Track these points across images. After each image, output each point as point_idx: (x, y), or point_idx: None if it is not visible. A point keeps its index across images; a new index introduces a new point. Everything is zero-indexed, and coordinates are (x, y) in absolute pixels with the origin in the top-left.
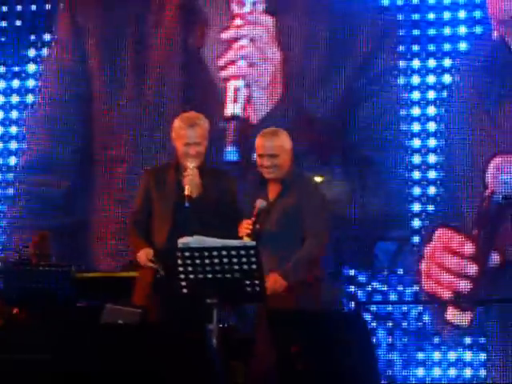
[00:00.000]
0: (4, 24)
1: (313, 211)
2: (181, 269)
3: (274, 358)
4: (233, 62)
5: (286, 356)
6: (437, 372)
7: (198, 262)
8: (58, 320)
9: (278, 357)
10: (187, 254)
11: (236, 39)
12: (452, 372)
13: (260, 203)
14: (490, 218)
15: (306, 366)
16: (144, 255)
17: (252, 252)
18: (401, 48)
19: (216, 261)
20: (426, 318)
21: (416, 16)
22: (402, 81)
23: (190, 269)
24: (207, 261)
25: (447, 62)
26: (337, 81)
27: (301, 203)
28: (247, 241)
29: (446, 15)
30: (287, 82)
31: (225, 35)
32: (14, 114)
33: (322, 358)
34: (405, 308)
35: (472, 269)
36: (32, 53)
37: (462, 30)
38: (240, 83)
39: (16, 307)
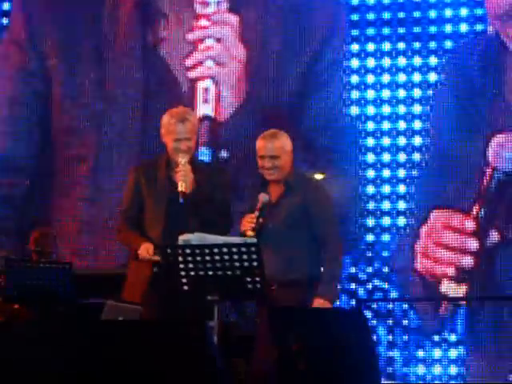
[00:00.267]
0: None
1: (325, 217)
2: (182, 266)
3: (275, 356)
4: (200, 63)
5: (287, 354)
6: (437, 370)
7: (198, 259)
8: (58, 317)
9: (279, 355)
10: (188, 251)
11: (202, 40)
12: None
13: (263, 197)
14: (491, 196)
15: (306, 364)
16: (145, 250)
17: (253, 249)
18: (353, 32)
19: (217, 258)
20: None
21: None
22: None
23: (190, 266)
24: (208, 258)
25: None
26: (294, 71)
27: (307, 205)
28: (250, 235)
29: (433, 14)
30: (250, 79)
31: (190, 36)
32: None
33: (323, 356)
34: (405, 305)
35: (473, 244)
36: None
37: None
38: (209, 83)
39: (16, 304)
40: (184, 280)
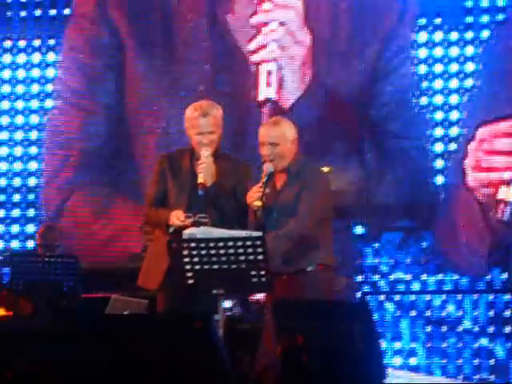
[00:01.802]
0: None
1: (307, 196)
2: (187, 259)
3: (280, 349)
4: (264, 46)
5: (292, 346)
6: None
7: (203, 252)
8: (64, 310)
9: (284, 347)
10: (193, 244)
11: (266, 23)
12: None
13: (267, 167)
14: None
15: (311, 357)
16: (175, 217)
17: (258, 242)
18: (422, 21)
19: (222, 251)
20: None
21: None
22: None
23: (196, 259)
24: (213, 251)
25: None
26: (362, 58)
27: (302, 190)
28: (257, 205)
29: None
30: (315, 63)
31: (254, 20)
32: (35, 88)
33: (328, 349)
34: (428, 297)
35: None
36: (53, 28)
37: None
38: (273, 66)
39: (22, 298)
40: (189, 274)
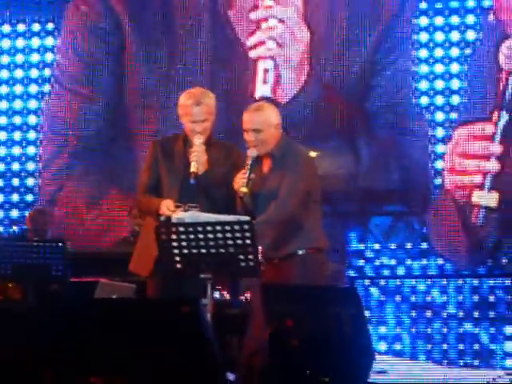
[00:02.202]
0: None
1: (288, 180)
2: (175, 244)
3: (268, 333)
4: (262, 43)
5: (280, 330)
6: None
7: (192, 236)
8: (51, 295)
9: (272, 331)
10: (182, 229)
11: (265, 19)
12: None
13: (251, 152)
14: (508, 98)
15: (299, 341)
16: (165, 207)
17: (246, 227)
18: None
19: (210, 236)
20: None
21: None
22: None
23: (184, 244)
24: (201, 236)
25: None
26: (357, 54)
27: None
28: (243, 191)
29: None
30: (313, 60)
31: (253, 15)
32: (34, 73)
33: (316, 333)
34: (413, 282)
35: (496, 148)
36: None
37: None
38: (269, 64)
39: (10, 282)
40: (177, 258)
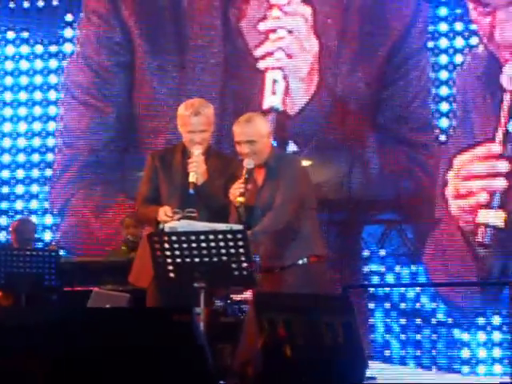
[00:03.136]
0: (41, 3)
1: (282, 189)
2: (168, 253)
3: (262, 342)
4: (271, 54)
5: (274, 340)
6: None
7: (185, 246)
8: (44, 304)
9: (265, 340)
10: (174, 238)
11: (274, 30)
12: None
13: (247, 163)
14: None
15: (293, 350)
16: (163, 213)
17: (239, 236)
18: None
19: (203, 245)
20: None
21: None
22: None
23: (177, 253)
24: (194, 245)
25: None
26: (369, 65)
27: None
28: (240, 201)
29: None
30: (322, 71)
31: (262, 26)
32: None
33: (309, 342)
34: (402, 289)
35: (503, 165)
36: (69, 33)
37: None
38: (278, 75)
39: (2, 291)
40: (170, 267)
